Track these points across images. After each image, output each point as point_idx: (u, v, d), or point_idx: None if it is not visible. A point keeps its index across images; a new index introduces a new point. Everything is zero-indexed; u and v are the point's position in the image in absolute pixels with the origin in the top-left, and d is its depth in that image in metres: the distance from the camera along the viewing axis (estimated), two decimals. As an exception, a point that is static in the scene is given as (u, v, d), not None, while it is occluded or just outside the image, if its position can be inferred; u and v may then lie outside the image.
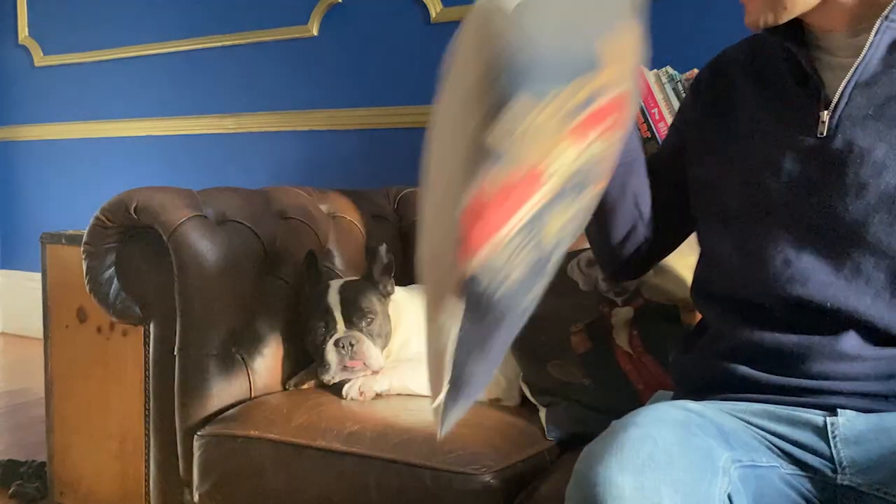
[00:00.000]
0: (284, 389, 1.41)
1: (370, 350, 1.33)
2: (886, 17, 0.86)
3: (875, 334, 0.87)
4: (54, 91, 3.67)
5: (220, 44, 3.10)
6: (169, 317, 1.35)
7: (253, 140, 3.06)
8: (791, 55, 0.94)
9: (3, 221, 3.92)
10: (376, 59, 2.73)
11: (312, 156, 2.90)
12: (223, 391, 1.33)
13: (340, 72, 2.82)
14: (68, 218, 3.03)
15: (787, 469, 0.90)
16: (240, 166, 3.09)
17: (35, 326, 2.07)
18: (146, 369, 1.44)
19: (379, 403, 1.30)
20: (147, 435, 1.46)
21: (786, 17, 0.90)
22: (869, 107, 0.88)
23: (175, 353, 1.33)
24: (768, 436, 0.92)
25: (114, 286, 1.38)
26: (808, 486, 0.91)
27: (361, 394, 1.29)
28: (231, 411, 1.30)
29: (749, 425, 0.92)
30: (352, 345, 1.32)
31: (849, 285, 0.87)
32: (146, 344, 1.43)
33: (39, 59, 3.70)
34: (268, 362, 1.39)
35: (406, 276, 1.63)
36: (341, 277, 1.53)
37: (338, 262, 1.60)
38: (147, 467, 1.49)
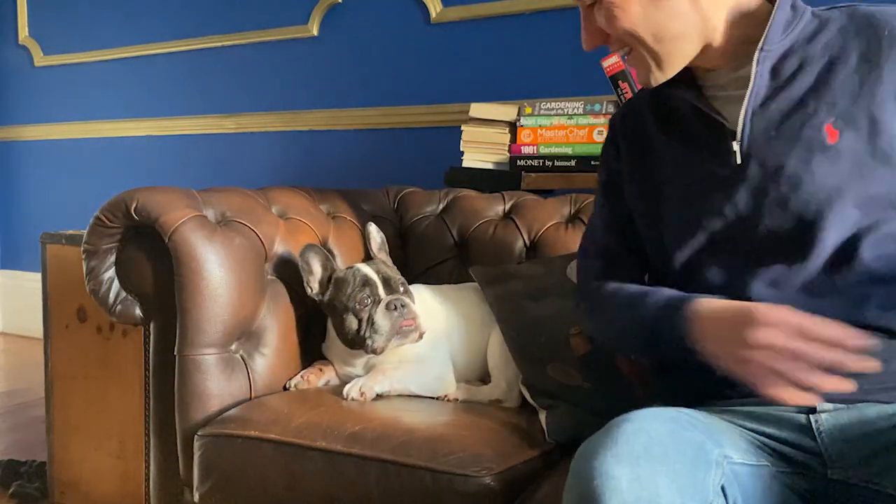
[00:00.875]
0: (285, 389, 1.41)
1: (416, 310, 1.35)
2: (761, 48, 0.95)
3: None
4: (54, 91, 3.67)
5: (220, 44, 3.10)
6: (169, 317, 1.35)
7: (253, 140, 3.06)
8: (688, 101, 1.01)
9: (3, 221, 3.92)
10: (376, 59, 2.73)
11: (312, 156, 2.90)
12: (223, 391, 1.33)
13: (340, 72, 2.82)
14: (68, 218, 3.03)
15: (778, 467, 0.91)
16: (240, 166, 3.10)
17: (35, 326, 2.07)
18: (146, 369, 1.44)
19: (379, 404, 1.30)
20: (147, 435, 1.46)
21: (672, 73, 0.99)
22: (770, 128, 0.95)
23: (175, 353, 1.33)
24: (756, 436, 0.94)
25: (114, 286, 1.38)
26: (800, 482, 0.92)
27: (362, 394, 1.29)
28: (231, 412, 1.30)
29: (736, 426, 0.93)
30: (403, 305, 1.33)
31: (800, 293, 0.91)
32: (146, 344, 1.43)
33: (39, 59, 3.70)
34: (268, 362, 1.39)
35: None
36: None
37: (338, 262, 1.60)
38: (147, 467, 1.49)
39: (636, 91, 1.18)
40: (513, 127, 2.00)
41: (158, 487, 1.41)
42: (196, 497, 1.28)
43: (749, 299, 0.92)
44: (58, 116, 3.67)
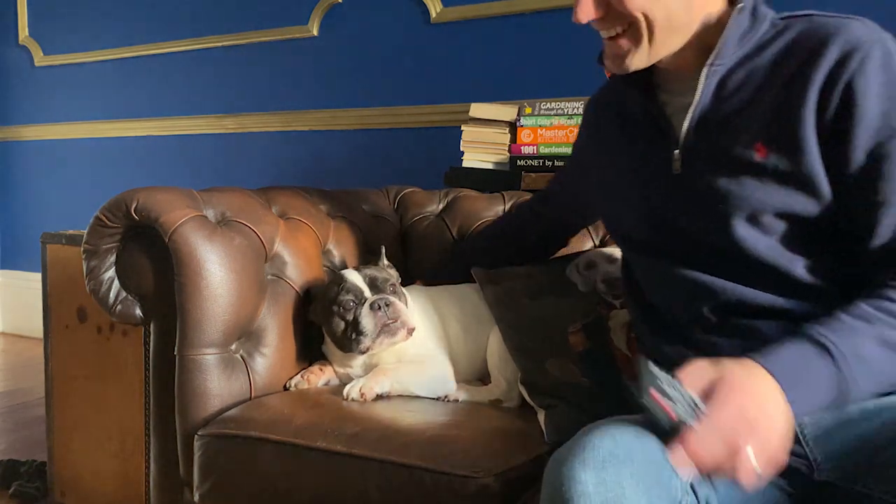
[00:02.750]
0: (285, 389, 1.41)
1: (402, 307, 1.34)
2: (711, 63, 0.96)
3: (794, 321, 0.90)
4: (54, 91, 3.67)
5: (220, 44, 3.10)
6: (169, 317, 1.35)
7: (253, 140, 3.06)
8: (643, 102, 1.03)
9: (3, 221, 3.92)
10: (376, 59, 2.73)
11: (312, 156, 2.90)
12: (223, 391, 1.33)
13: (340, 72, 2.82)
14: (68, 218, 3.03)
15: None
16: (240, 166, 3.10)
17: (35, 326, 2.07)
18: (146, 369, 1.44)
19: (380, 404, 1.30)
20: (147, 435, 1.46)
21: (654, 60, 0.99)
22: (707, 143, 0.97)
23: (175, 353, 1.33)
24: None
25: (114, 286, 1.38)
26: (785, 484, 0.92)
27: (362, 395, 1.29)
28: (231, 412, 1.30)
29: None
30: (387, 304, 1.33)
31: (746, 291, 0.95)
32: (146, 344, 1.43)
33: (39, 59, 3.70)
34: (268, 362, 1.39)
35: (406, 276, 1.63)
36: None
37: (338, 262, 1.60)
38: (147, 467, 1.49)
39: (601, 88, 1.22)
40: (513, 127, 2.00)
41: (158, 487, 1.41)
42: (196, 497, 1.28)
43: (674, 301, 0.99)
44: (58, 116, 3.67)
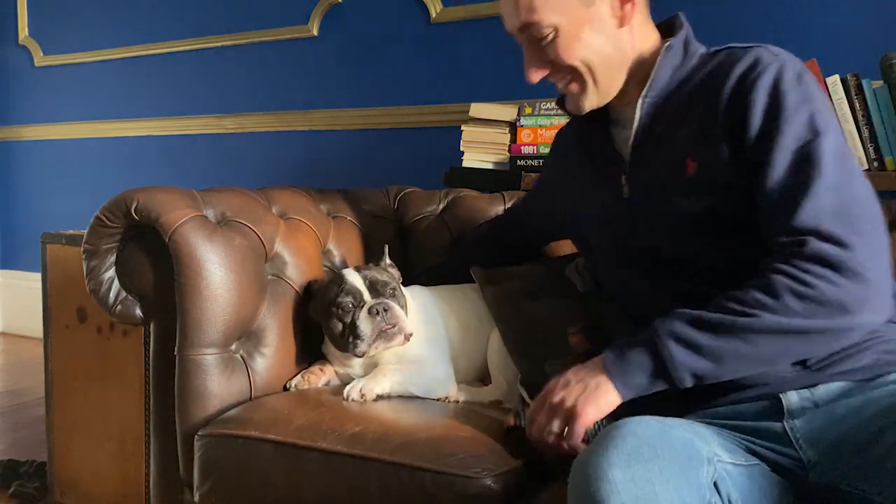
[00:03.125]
0: (285, 390, 1.41)
1: (400, 312, 1.34)
2: (645, 96, 1.09)
3: None
4: (54, 91, 3.67)
5: (220, 44, 3.10)
6: (169, 317, 1.35)
7: (253, 140, 3.06)
8: (598, 136, 1.18)
9: (3, 221, 3.92)
10: (376, 59, 2.73)
11: (312, 156, 2.90)
12: (223, 391, 1.33)
13: (340, 72, 2.82)
14: (68, 218, 3.03)
15: (767, 466, 0.95)
16: (240, 166, 3.10)
17: (35, 326, 2.07)
18: (146, 369, 1.44)
19: (380, 405, 1.30)
20: (147, 435, 1.46)
21: (606, 100, 1.14)
22: (647, 169, 1.10)
23: (175, 353, 1.33)
24: (741, 437, 0.97)
25: (114, 286, 1.38)
26: (790, 482, 0.95)
27: (363, 395, 1.29)
28: (232, 412, 1.30)
29: (721, 431, 0.97)
30: (385, 310, 1.32)
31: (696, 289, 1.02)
32: (146, 344, 1.43)
33: (39, 59, 3.70)
34: (268, 362, 1.39)
35: (406, 276, 1.63)
36: None
37: (338, 262, 1.60)
38: (147, 467, 1.49)
39: (570, 119, 1.36)
40: (513, 127, 2.00)
41: (158, 487, 1.41)
42: (196, 497, 1.28)
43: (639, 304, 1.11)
44: (58, 116, 3.67)
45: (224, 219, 1.41)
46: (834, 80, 1.65)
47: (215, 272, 1.33)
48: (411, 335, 1.35)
